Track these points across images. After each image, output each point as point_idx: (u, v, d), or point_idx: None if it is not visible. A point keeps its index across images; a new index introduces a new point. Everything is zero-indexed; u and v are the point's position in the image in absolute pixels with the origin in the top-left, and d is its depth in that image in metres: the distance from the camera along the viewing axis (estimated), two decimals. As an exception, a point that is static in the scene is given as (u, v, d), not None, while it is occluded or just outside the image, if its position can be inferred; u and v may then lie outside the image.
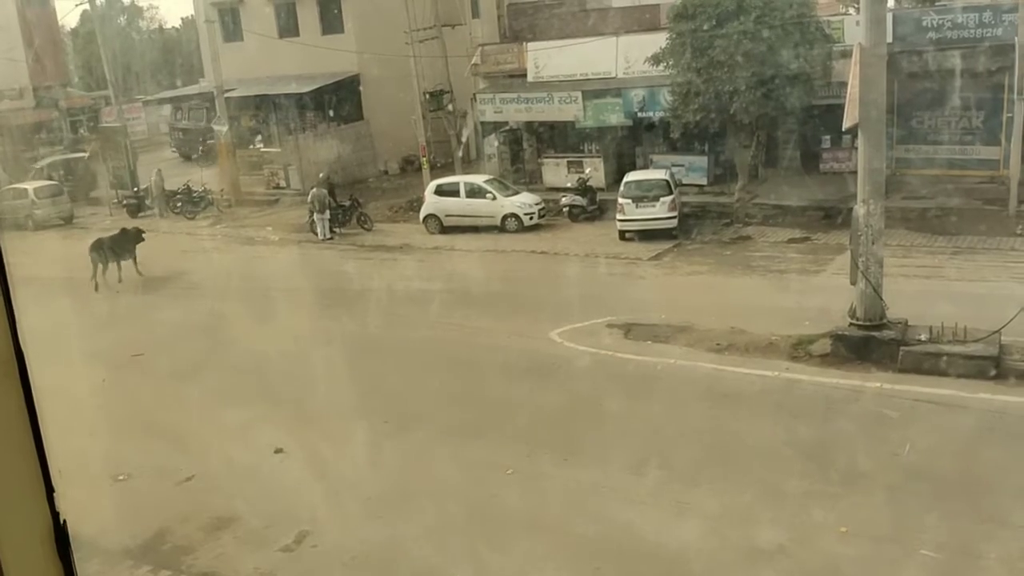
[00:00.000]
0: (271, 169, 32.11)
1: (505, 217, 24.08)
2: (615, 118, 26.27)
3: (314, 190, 25.36)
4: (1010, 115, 21.44)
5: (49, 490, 1.64)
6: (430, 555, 9.31)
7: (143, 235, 21.70)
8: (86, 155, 35.32)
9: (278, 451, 11.63)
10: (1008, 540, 8.81)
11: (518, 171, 28.72)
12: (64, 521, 1.66)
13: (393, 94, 29.41)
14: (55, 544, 1.65)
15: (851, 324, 13.67)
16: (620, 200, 22.07)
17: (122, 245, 21.21)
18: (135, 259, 21.24)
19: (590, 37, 27.44)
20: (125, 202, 30.12)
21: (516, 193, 25.04)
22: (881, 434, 11.20)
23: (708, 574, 8.87)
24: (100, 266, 20.68)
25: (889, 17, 18.46)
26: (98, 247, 20.88)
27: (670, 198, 21.78)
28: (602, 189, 25.32)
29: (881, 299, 13.53)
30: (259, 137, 35.36)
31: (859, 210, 13.53)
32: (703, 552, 9.06)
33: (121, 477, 11.55)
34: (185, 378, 14.62)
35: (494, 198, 24.36)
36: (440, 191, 24.97)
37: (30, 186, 30.60)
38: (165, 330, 17.80)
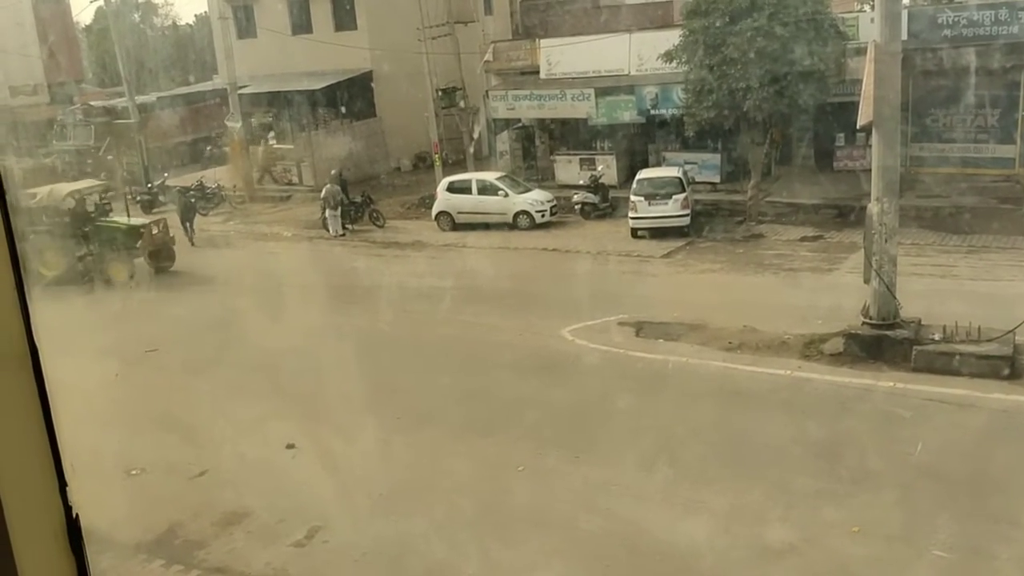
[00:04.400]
0: (283, 165, 32.18)
1: (517, 214, 24.07)
2: (628, 115, 26.23)
3: (327, 186, 25.42)
4: (1026, 113, 21.33)
5: (62, 484, 1.64)
6: (441, 551, 9.32)
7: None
8: None
9: (290, 446, 11.66)
10: (1021, 540, 8.76)
11: (530, 168, 28.72)
12: (77, 515, 1.66)
13: (405, 91, 29.42)
14: (68, 538, 1.66)
15: (864, 323, 13.61)
16: (632, 197, 22.04)
17: (191, 211, 25.65)
18: (193, 222, 25.41)
19: (603, 34, 27.40)
20: (139, 198, 30.23)
21: (528, 190, 25.03)
22: (893, 433, 11.15)
23: (719, 573, 8.85)
24: (186, 226, 24.98)
25: (904, 14, 18.36)
26: (181, 213, 25.18)
27: (682, 196, 21.74)
28: (614, 186, 25.28)
29: (894, 298, 13.46)
30: (271, 133, 35.42)
31: (873, 208, 13.46)
32: (714, 551, 9.04)
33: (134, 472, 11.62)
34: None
35: (506, 195, 24.36)
36: (452, 188, 24.98)
37: None
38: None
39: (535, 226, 23.81)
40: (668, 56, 22.80)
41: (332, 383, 13.76)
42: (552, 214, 24.19)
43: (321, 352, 15.32)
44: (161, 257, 21.96)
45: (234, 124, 31.19)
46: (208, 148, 36.31)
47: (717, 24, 21.31)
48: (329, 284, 20.71)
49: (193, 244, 24.75)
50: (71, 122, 36.83)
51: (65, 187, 22.82)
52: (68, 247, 21.13)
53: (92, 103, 38.09)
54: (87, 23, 50.25)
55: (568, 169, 27.22)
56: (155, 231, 21.90)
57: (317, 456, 11.50)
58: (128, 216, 22.93)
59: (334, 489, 10.77)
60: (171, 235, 22.38)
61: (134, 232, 21.58)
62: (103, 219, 22.25)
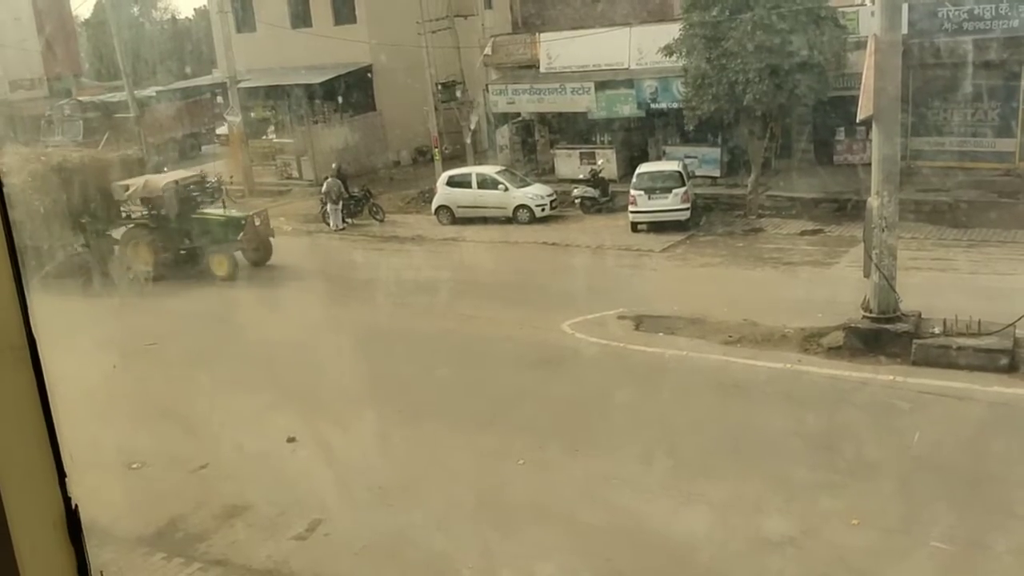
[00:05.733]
0: (283, 159, 32.15)
1: (517, 208, 24.05)
2: (628, 109, 26.21)
3: (328, 180, 25.38)
4: (1026, 107, 21.31)
5: (61, 475, 1.64)
6: (441, 544, 9.34)
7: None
8: None
9: (291, 440, 11.68)
10: (1019, 532, 8.78)
11: (530, 162, 28.70)
12: (76, 506, 1.66)
13: (405, 84, 29.36)
14: (67, 529, 1.66)
15: (864, 316, 13.61)
16: (632, 192, 22.02)
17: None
18: None
19: (602, 27, 27.34)
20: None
21: (528, 184, 25.01)
22: (893, 426, 11.16)
23: (718, 565, 8.87)
24: None
25: (904, 7, 18.33)
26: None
27: (682, 190, 21.72)
28: (614, 180, 25.26)
29: (894, 291, 13.46)
30: (271, 127, 35.37)
31: (873, 202, 13.45)
32: (713, 543, 9.06)
33: (135, 464, 11.64)
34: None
35: (506, 189, 24.34)
36: (452, 182, 24.96)
37: None
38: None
39: (535, 220, 23.79)
40: (668, 50, 22.74)
41: (333, 377, 13.80)
42: (552, 208, 24.17)
43: (324, 345, 15.36)
44: (260, 250, 20.96)
45: (233, 118, 31.16)
46: (195, 142, 36.15)
47: (717, 17, 21.27)
48: (330, 276, 20.75)
49: None
50: (58, 117, 36.59)
51: (161, 178, 21.69)
52: (166, 241, 20.44)
53: (81, 98, 37.82)
54: (85, 17, 50.24)
55: (568, 163, 27.20)
56: (257, 223, 20.74)
57: (317, 449, 11.53)
58: (225, 207, 21.64)
59: (335, 482, 10.80)
60: (271, 227, 21.24)
61: (235, 224, 20.51)
62: (201, 211, 21.18)
